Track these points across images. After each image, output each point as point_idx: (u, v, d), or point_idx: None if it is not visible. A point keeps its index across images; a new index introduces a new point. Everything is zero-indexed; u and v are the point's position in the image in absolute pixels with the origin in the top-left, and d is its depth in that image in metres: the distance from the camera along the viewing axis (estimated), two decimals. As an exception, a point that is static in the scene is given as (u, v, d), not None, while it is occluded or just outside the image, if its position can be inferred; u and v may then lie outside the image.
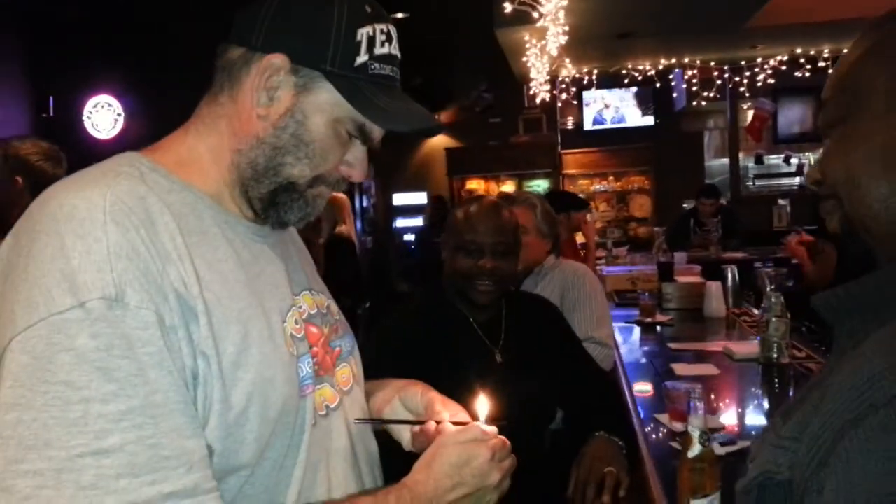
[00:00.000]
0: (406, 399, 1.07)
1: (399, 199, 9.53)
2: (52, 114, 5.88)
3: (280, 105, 0.86)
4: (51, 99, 5.86)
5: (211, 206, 0.86)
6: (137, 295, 0.70)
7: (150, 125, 6.78)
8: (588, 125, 9.48)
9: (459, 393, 1.05)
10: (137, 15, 5.48)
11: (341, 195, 4.16)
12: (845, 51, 0.76)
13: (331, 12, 0.85)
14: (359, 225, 8.59)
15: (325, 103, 0.86)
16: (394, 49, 0.90)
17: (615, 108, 9.42)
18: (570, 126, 9.63)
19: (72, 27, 5.86)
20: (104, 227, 0.71)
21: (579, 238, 5.01)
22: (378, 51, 0.87)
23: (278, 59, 0.84)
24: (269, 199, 0.89)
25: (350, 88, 0.86)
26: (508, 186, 9.02)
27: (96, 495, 0.65)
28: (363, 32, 0.86)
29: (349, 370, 1.00)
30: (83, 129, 6.19)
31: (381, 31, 0.88)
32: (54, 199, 0.74)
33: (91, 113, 6.24)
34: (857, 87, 0.70)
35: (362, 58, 0.86)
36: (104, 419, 0.66)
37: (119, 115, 6.28)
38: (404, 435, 1.06)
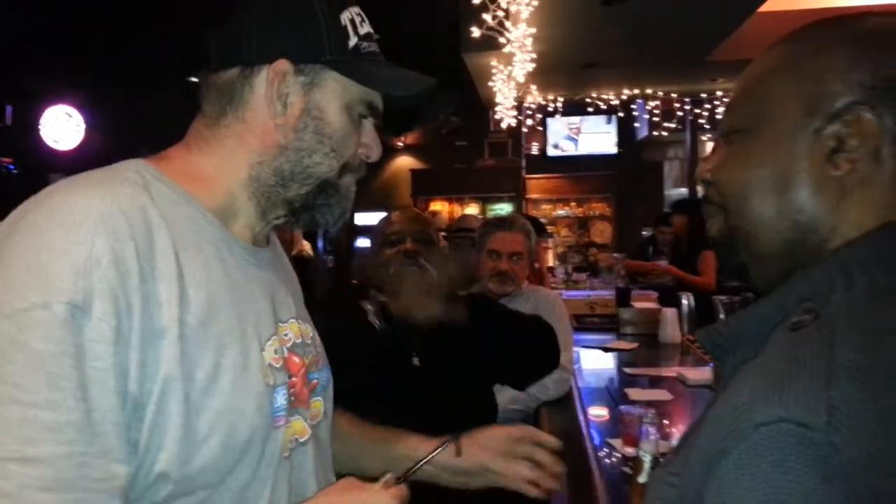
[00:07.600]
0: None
1: (361, 218, 9.45)
2: (9, 122, 5.75)
3: (295, 108, 0.86)
4: (8, 108, 5.73)
5: (212, 223, 0.84)
6: (103, 306, 0.69)
7: (111, 137, 6.67)
8: (552, 151, 9.60)
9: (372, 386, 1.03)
10: (99, 26, 5.41)
11: None
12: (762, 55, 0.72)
13: (311, 6, 0.87)
14: (321, 244, 8.53)
15: (334, 92, 0.88)
16: (369, 27, 0.93)
17: (578, 135, 9.56)
18: (534, 151, 9.74)
19: (32, 37, 5.76)
20: (94, 230, 0.70)
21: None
22: (361, 30, 0.90)
23: (282, 65, 0.85)
24: (303, 203, 0.89)
25: (354, 70, 0.88)
26: (472, 209, 9.07)
27: None
28: (344, 17, 0.88)
29: (321, 404, 0.98)
30: (40, 139, 6.06)
31: (357, 14, 0.91)
32: (57, 195, 0.73)
33: (49, 122, 6.12)
34: (767, 99, 0.68)
35: (352, 40, 0.88)
36: (37, 427, 0.65)
37: (79, 125, 6.17)
38: None
